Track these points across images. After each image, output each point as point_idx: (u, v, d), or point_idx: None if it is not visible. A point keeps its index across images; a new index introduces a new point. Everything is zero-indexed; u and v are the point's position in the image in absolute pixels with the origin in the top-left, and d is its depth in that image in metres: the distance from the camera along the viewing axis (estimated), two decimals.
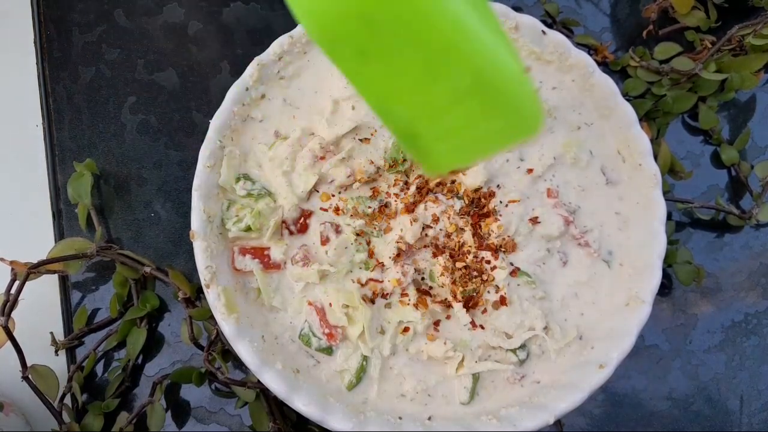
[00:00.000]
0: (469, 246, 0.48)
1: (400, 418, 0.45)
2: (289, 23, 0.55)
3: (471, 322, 0.47)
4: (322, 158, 0.49)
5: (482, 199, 0.49)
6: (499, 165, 0.51)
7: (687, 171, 0.59)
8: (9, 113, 0.60)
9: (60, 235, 0.57)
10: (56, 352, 0.54)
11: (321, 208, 0.49)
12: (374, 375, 0.46)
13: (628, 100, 0.52)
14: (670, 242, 0.52)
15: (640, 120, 0.53)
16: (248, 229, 0.47)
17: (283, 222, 0.49)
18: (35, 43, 0.62)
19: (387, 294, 0.48)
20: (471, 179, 0.49)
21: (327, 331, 0.46)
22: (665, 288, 0.58)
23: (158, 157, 0.59)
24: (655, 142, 0.57)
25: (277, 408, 0.50)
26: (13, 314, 0.48)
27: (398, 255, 0.48)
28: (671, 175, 0.59)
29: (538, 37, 0.53)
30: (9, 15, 0.63)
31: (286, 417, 0.51)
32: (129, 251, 0.54)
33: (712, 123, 0.61)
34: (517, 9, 0.54)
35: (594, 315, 0.49)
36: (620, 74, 0.63)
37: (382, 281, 0.48)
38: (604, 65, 0.63)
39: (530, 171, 0.51)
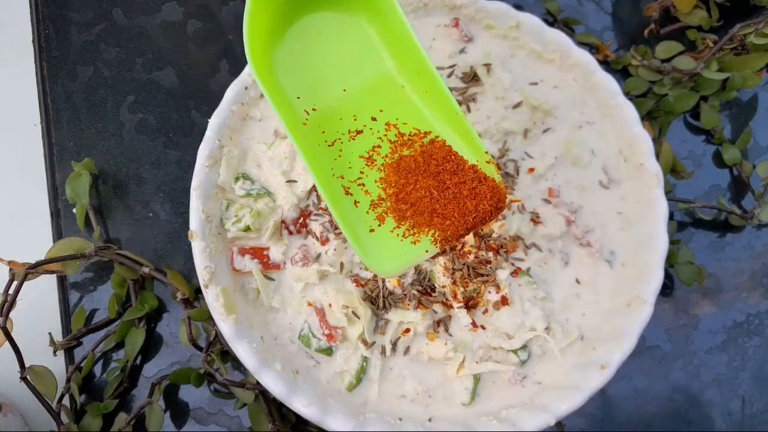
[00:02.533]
0: (470, 246, 0.48)
1: (401, 419, 0.45)
2: None
3: (472, 323, 0.47)
4: None
5: None
6: (500, 165, 0.51)
7: (688, 171, 0.59)
8: (7, 113, 0.60)
9: (58, 235, 0.57)
10: (54, 352, 0.54)
11: (321, 208, 0.49)
12: (374, 376, 0.46)
13: (629, 100, 0.52)
14: (671, 242, 0.51)
15: (642, 119, 0.53)
16: (247, 229, 0.47)
17: (283, 222, 0.48)
18: (33, 42, 0.62)
19: (387, 294, 0.47)
20: None
21: (327, 331, 0.46)
22: (667, 288, 0.58)
23: (157, 157, 0.59)
24: (656, 141, 0.57)
25: (277, 409, 0.50)
26: (12, 315, 0.48)
27: None
28: (673, 174, 0.59)
29: (540, 35, 0.53)
30: (7, 14, 0.62)
31: (285, 418, 0.50)
32: (127, 251, 0.54)
33: (713, 122, 0.60)
34: (518, 7, 0.54)
35: (595, 315, 0.49)
36: (622, 73, 0.63)
37: (382, 281, 0.48)
38: (605, 64, 0.62)
39: (531, 170, 0.51)
